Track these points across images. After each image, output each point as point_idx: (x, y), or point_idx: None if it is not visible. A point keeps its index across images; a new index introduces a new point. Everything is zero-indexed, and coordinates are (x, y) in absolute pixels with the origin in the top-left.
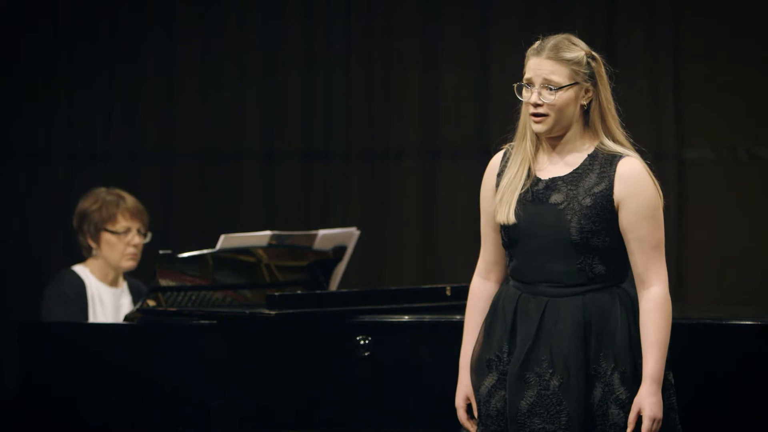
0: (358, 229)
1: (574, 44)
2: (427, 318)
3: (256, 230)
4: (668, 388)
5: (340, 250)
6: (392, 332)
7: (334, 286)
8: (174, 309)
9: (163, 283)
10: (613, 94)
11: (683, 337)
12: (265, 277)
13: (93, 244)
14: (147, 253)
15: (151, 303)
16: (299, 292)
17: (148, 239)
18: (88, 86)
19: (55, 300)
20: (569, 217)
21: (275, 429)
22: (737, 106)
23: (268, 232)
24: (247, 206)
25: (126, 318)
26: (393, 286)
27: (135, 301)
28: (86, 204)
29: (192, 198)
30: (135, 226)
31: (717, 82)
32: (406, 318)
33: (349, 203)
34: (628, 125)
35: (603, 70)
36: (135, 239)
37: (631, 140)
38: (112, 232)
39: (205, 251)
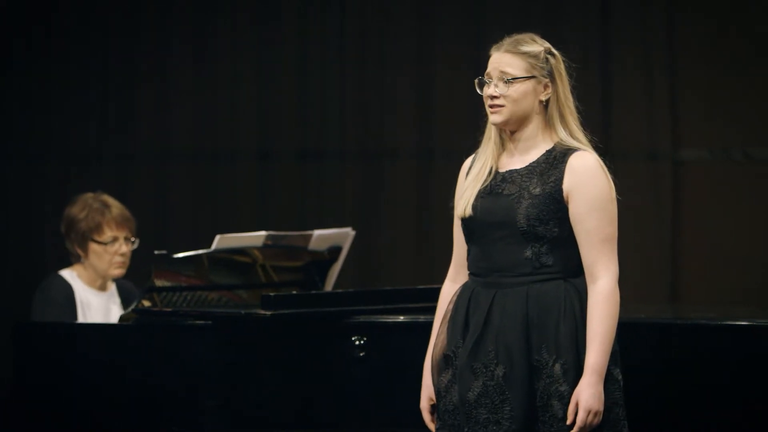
0: (353, 229)
1: (533, 40)
2: (422, 318)
3: (251, 230)
4: (613, 383)
5: (335, 251)
6: (387, 332)
7: (329, 286)
8: (169, 309)
9: (159, 283)
10: (573, 92)
11: (679, 338)
12: (260, 277)
13: (81, 253)
14: (142, 255)
15: (147, 303)
16: (294, 292)
17: (135, 245)
18: (83, 87)
19: (45, 306)
20: (517, 206)
21: (270, 429)
22: (732, 107)
23: (263, 233)
24: (242, 206)
25: (121, 318)
26: (388, 286)
27: (124, 302)
28: (73, 211)
29: (187, 198)
30: (122, 234)
31: (712, 83)
32: (401, 318)
33: (344, 203)
34: (623, 125)
35: (562, 67)
36: (122, 248)
37: (592, 137)
38: (99, 242)
39: (200, 251)
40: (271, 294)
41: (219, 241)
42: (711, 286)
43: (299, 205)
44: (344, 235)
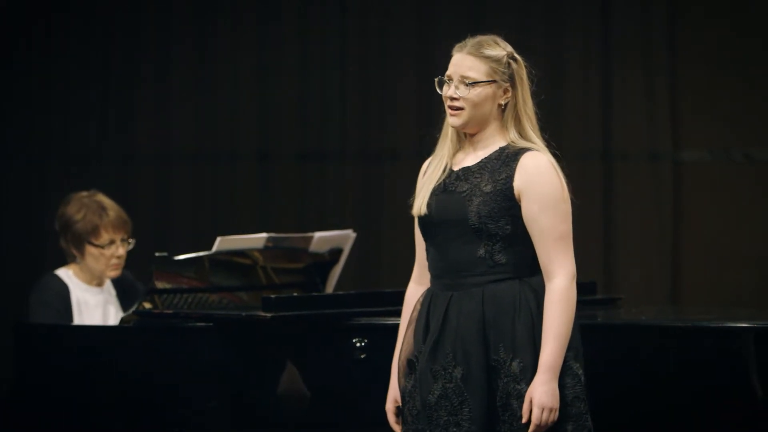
0: (354, 230)
1: (496, 43)
2: None
3: (251, 232)
4: (573, 378)
5: (336, 252)
6: (388, 334)
7: (330, 288)
8: (170, 311)
9: (160, 285)
10: (533, 98)
11: (679, 340)
12: (261, 279)
13: (77, 253)
14: (143, 257)
15: (148, 305)
16: (295, 294)
17: (131, 246)
18: (84, 88)
19: (39, 308)
20: (469, 203)
21: (271, 430)
22: (733, 108)
23: (264, 235)
24: (242, 208)
25: (122, 320)
26: (389, 288)
27: (120, 295)
28: (68, 212)
29: (188, 200)
30: (118, 237)
31: (713, 84)
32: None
33: (344, 205)
34: (623, 126)
35: (524, 72)
36: (119, 251)
37: (550, 142)
38: (96, 245)
39: (201, 253)
40: (272, 296)
41: (220, 243)
42: (711, 286)
43: (299, 207)
44: (345, 236)
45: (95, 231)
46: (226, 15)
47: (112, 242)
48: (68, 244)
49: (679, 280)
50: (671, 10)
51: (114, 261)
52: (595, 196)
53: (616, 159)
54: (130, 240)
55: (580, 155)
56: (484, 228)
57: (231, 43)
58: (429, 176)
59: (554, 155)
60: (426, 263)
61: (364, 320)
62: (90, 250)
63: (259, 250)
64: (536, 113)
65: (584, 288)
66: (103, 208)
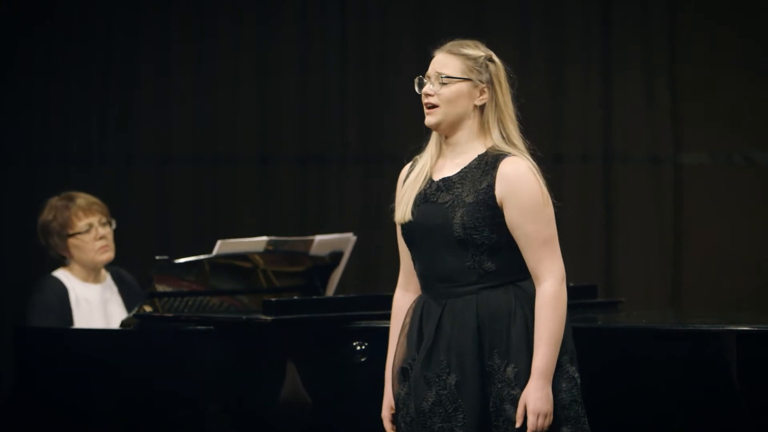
0: (355, 234)
1: (476, 46)
2: None
3: (251, 235)
4: (569, 381)
5: (336, 256)
6: (388, 338)
7: (330, 291)
8: (171, 314)
9: (160, 288)
10: (514, 101)
11: (679, 343)
12: (261, 282)
13: (65, 254)
14: (143, 259)
15: (148, 309)
16: (296, 297)
17: (114, 226)
18: (83, 90)
19: (37, 309)
20: (452, 215)
21: None
22: (734, 111)
23: (264, 238)
24: (242, 210)
25: (123, 323)
26: (389, 291)
27: (120, 289)
28: (42, 218)
29: (188, 202)
30: (94, 219)
31: (714, 87)
32: None
33: (345, 208)
34: (623, 129)
35: (503, 74)
36: (100, 232)
37: (531, 146)
38: (74, 235)
39: (202, 257)
40: (273, 299)
41: (220, 247)
42: (713, 290)
43: (300, 210)
44: (346, 240)
45: (68, 222)
46: (226, 15)
47: (90, 226)
48: (55, 249)
49: (680, 283)
50: (671, 11)
51: (99, 243)
52: (595, 198)
53: (617, 161)
54: (111, 221)
55: (581, 158)
56: (469, 239)
57: (231, 43)
58: (410, 184)
59: (536, 157)
60: (411, 270)
61: (364, 323)
62: (72, 242)
63: (260, 254)
64: (517, 115)
65: (585, 291)
66: (70, 199)
